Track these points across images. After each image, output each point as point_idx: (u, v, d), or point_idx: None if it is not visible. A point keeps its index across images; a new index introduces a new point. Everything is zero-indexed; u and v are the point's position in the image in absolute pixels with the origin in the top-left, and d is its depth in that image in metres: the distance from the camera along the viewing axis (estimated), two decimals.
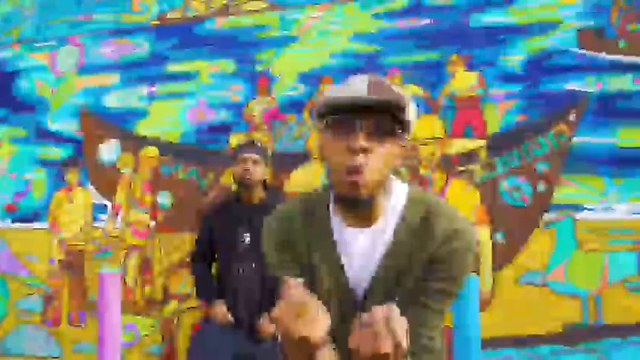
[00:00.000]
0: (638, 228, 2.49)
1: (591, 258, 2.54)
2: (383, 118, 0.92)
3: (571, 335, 2.50)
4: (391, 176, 1.02)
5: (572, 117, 2.59)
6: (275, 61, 2.99)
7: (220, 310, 2.43)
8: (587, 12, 2.63)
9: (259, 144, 2.54)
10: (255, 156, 2.43)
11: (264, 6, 3.04)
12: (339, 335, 0.95)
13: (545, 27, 2.65)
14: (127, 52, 3.23)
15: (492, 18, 2.73)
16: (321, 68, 2.91)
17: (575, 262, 2.54)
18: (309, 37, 2.96)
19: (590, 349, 2.49)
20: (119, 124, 3.20)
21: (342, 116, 0.92)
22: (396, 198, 1.01)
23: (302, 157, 2.90)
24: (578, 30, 2.62)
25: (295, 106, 2.94)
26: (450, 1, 2.78)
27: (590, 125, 2.57)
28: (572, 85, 2.60)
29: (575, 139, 2.58)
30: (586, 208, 2.55)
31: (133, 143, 3.16)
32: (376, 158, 0.91)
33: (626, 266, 2.49)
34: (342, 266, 1.00)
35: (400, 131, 0.94)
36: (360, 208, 0.96)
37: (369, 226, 0.99)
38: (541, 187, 2.61)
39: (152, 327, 3.05)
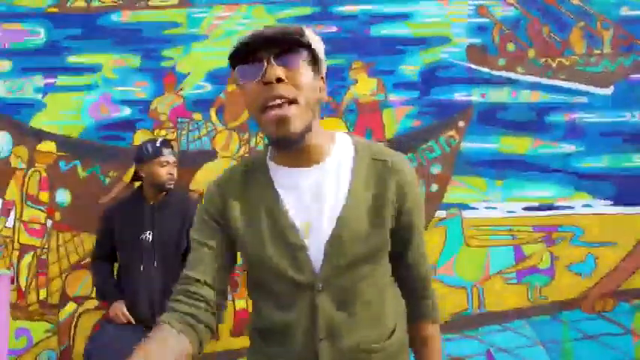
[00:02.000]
0: (514, 225, 2.79)
1: (476, 253, 2.80)
2: (290, 49, 0.92)
3: (458, 323, 2.74)
4: (334, 132, 1.06)
5: (461, 124, 2.84)
6: (182, 58, 2.96)
7: (120, 309, 2.39)
8: (474, 31, 2.90)
9: (172, 144, 2.53)
10: (174, 158, 2.46)
11: (172, 2, 3.00)
12: (292, 301, 0.98)
13: (438, 41, 2.88)
14: (20, 39, 3.03)
15: (392, 30, 2.91)
16: (228, 67, 2.92)
17: (463, 257, 2.78)
18: (217, 36, 2.97)
19: (474, 335, 2.74)
20: (11, 116, 2.99)
21: (250, 55, 0.92)
22: (342, 142, 1.04)
23: (207, 156, 2.90)
24: (467, 46, 2.88)
25: (202, 104, 2.93)
26: (354, 11, 2.93)
27: (476, 132, 2.83)
28: (461, 95, 2.86)
29: (462, 144, 2.84)
30: (471, 207, 2.81)
31: (28, 137, 2.97)
32: (294, 86, 0.91)
33: (504, 259, 2.77)
34: (285, 211, 0.99)
35: (311, 60, 0.95)
36: (297, 148, 0.96)
37: (316, 163, 1.00)
38: (434, 187, 2.83)
39: (47, 332, 2.89)
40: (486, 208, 2.80)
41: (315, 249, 0.97)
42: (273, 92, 0.90)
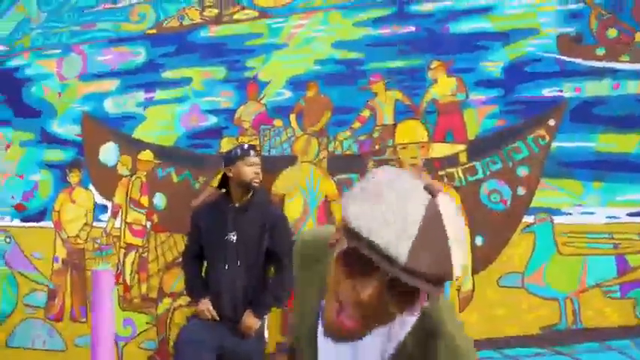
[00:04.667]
0: (615, 232, 2.51)
1: (570, 262, 2.56)
2: (404, 282, 0.67)
3: (548, 338, 2.53)
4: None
5: (551, 122, 2.62)
6: (263, 67, 3.09)
7: (205, 306, 2.55)
8: (566, 19, 2.65)
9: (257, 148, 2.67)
10: (259, 160, 2.59)
11: (254, 15, 3.14)
12: None
13: (524, 33, 2.68)
14: (126, 60, 3.38)
15: (472, 25, 2.77)
16: (307, 74, 3.00)
17: (554, 266, 2.57)
18: (296, 44, 3.05)
19: (568, 352, 2.51)
20: (118, 129, 3.34)
21: (364, 251, 0.68)
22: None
23: (288, 161, 2.99)
24: (558, 36, 2.65)
25: (282, 111, 3.04)
26: (431, 9, 2.83)
27: (569, 130, 2.59)
28: (552, 91, 2.63)
29: (554, 144, 2.61)
30: (564, 212, 2.57)
31: (131, 147, 3.30)
32: (370, 314, 0.74)
33: (605, 270, 2.51)
34: None
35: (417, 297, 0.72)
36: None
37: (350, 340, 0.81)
38: (521, 191, 2.64)
39: (148, 323, 3.18)
40: (582, 213, 2.55)
41: None
42: (356, 310, 0.76)
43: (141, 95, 3.32)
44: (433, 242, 0.65)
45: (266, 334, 2.63)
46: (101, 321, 2.69)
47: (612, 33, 2.59)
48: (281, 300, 2.59)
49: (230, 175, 2.59)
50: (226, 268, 2.53)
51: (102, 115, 3.40)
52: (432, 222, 0.66)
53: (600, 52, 2.60)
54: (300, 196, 2.94)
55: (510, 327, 2.58)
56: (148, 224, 3.23)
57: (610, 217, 2.51)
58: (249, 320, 2.50)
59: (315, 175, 2.93)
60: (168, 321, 3.13)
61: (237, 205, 2.59)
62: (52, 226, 3.46)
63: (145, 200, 3.25)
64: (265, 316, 2.58)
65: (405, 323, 0.84)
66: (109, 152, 3.36)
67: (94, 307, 2.72)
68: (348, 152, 2.90)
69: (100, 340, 2.69)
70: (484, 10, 2.74)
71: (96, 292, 2.72)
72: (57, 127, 3.50)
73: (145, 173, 3.26)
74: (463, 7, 2.78)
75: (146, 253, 3.22)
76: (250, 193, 2.59)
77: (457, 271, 0.68)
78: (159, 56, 3.30)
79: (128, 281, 3.24)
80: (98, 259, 3.33)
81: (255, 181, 2.57)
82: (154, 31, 3.34)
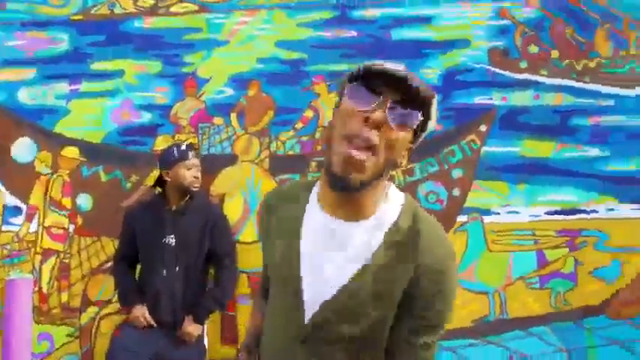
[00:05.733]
0: (537, 229, 2.75)
1: (498, 258, 2.76)
2: (408, 106, 0.88)
3: (480, 329, 2.70)
4: (390, 183, 0.99)
5: (482, 128, 2.82)
6: (203, 63, 2.98)
7: (140, 312, 2.41)
8: (495, 34, 2.88)
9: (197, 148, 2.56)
10: (198, 162, 2.49)
11: (192, 8, 3.02)
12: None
13: (459, 44, 2.87)
14: (45, 47, 3.08)
15: (413, 33, 2.90)
16: (249, 72, 2.95)
17: (484, 262, 2.75)
18: (237, 41, 2.98)
19: (496, 341, 2.70)
20: (35, 122, 3.03)
21: (373, 83, 0.88)
22: (391, 202, 0.97)
23: (228, 160, 2.91)
24: (488, 49, 2.86)
25: (223, 108, 2.95)
26: (374, 15, 2.92)
27: (498, 136, 2.81)
28: (482, 99, 2.83)
29: (484, 149, 2.81)
30: (493, 212, 2.78)
31: (52, 142, 3.01)
32: (387, 141, 0.87)
33: (527, 264, 2.73)
34: (298, 254, 0.97)
35: (417, 128, 0.91)
36: (349, 196, 0.91)
37: (356, 219, 0.94)
38: (456, 192, 2.81)
39: (69, 336, 2.91)
40: (509, 212, 2.77)
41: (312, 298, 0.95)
42: (366, 135, 0.85)
43: (63, 86, 3.03)
44: (417, 76, 0.91)
45: (205, 341, 2.54)
46: (17, 338, 2.43)
47: (533, 49, 2.86)
48: (223, 304, 2.52)
49: (167, 178, 2.48)
50: (164, 273, 2.41)
51: (14, 106, 3.06)
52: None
53: (523, 65, 2.85)
54: (240, 196, 2.88)
55: None
56: (71, 227, 2.97)
57: (532, 216, 2.76)
58: (190, 327, 2.40)
59: (257, 175, 2.88)
60: (94, 331, 2.89)
61: (175, 207, 2.48)
62: None
63: (67, 201, 2.98)
64: (205, 323, 2.50)
65: (392, 206, 0.97)
66: (23, 148, 3.03)
67: (8, 321, 2.45)
68: (290, 152, 2.89)
69: (15, 357, 2.43)
70: (424, 20, 2.89)
71: (11, 305, 2.44)
72: None
73: (68, 172, 2.99)
74: (405, 16, 2.90)
75: (68, 259, 2.95)
76: (189, 196, 2.49)
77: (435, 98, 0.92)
78: (86, 45, 3.04)
79: (45, 290, 2.95)
80: (8, 267, 2.99)
81: (195, 185, 2.49)
82: (80, 17, 3.08)
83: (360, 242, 0.93)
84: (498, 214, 2.77)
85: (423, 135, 0.97)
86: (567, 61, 2.84)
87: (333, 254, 0.93)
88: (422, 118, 0.90)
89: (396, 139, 0.88)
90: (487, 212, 2.77)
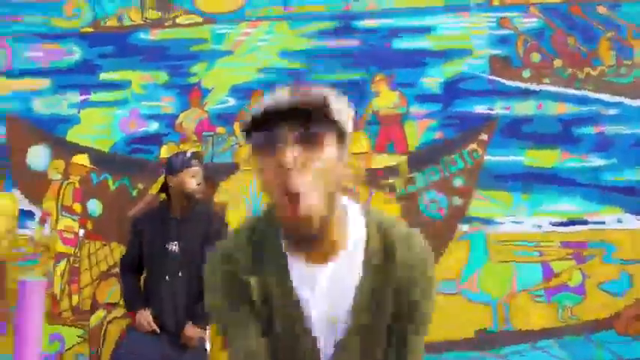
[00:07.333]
0: (542, 240, 2.70)
1: (501, 268, 2.72)
2: (312, 123, 0.81)
3: (482, 340, 2.67)
4: (343, 200, 0.94)
5: (483, 137, 2.79)
6: (207, 73, 3.04)
7: (144, 317, 2.46)
8: (496, 43, 2.85)
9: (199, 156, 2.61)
10: (202, 170, 2.53)
11: (198, 20, 3.09)
12: None
13: (459, 54, 2.85)
14: (58, 58, 3.20)
15: (413, 42, 2.90)
16: (251, 82, 2.99)
17: (487, 272, 2.71)
18: (241, 52, 3.03)
19: (499, 354, 2.66)
20: (49, 131, 3.15)
21: (269, 122, 0.81)
22: (354, 227, 0.93)
23: (231, 169, 2.96)
24: (489, 58, 2.83)
25: (226, 118, 3.00)
26: (375, 25, 2.93)
27: (500, 145, 2.77)
28: (483, 108, 2.80)
29: (486, 158, 2.77)
30: (496, 222, 2.74)
31: (65, 150, 3.12)
32: (314, 173, 0.81)
33: (532, 276, 2.69)
34: (301, 311, 0.93)
35: (337, 136, 0.85)
36: (312, 244, 0.87)
37: (326, 261, 0.91)
38: (457, 201, 2.78)
39: (79, 337, 3.01)
40: (512, 222, 2.73)
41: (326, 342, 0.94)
42: (293, 181, 0.79)
43: (75, 96, 3.15)
44: (303, 88, 0.83)
45: (207, 346, 2.58)
46: (27, 337, 2.51)
47: (536, 57, 2.81)
48: None
49: (171, 185, 2.53)
50: (167, 279, 2.46)
51: (29, 115, 3.19)
52: None
53: (526, 74, 2.81)
54: (243, 205, 2.92)
55: (445, 331, 2.69)
56: (81, 232, 3.07)
57: (536, 227, 2.71)
58: (190, 330, 2.44)
59: (259, 185, 2.92)
60: (102, 333, 2.98)
61: (178, 214, 2.53)
62: None
63: (77, 206, 3.08)
64: (207, 328, 2.53)
65: (357, 229, 0.93)
66: (38, 155, 3.15)
67: (20, 321, 2.54)
68: None
69: (26, 358, 2.52)
70: (424, 30, 2.88)
71: (23, 306, 2.53)
72: None
73: (79, 178, 3.10)
74: (405, 26, 2.90)
75: (78, 263, 3.05)
76: (192, 203, 2.54)
77: (330, 96, 0.82)
78: (96, 56, 3.15)
79: (57, 293, 3.05)
80: (22, 269, 3.11)
81: (198, 193, 2.53)
82: (90, 29, 3.19)
83: (341, 281, 0.91)
84: (502, 224, 2.73)
85: (349, 130, 0.88)
86: (570, 70, 2.79)
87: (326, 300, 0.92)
88: (333, 120, 0.82)
89: (322, 163, 0.82)
90: (490, 222, 2.74)
